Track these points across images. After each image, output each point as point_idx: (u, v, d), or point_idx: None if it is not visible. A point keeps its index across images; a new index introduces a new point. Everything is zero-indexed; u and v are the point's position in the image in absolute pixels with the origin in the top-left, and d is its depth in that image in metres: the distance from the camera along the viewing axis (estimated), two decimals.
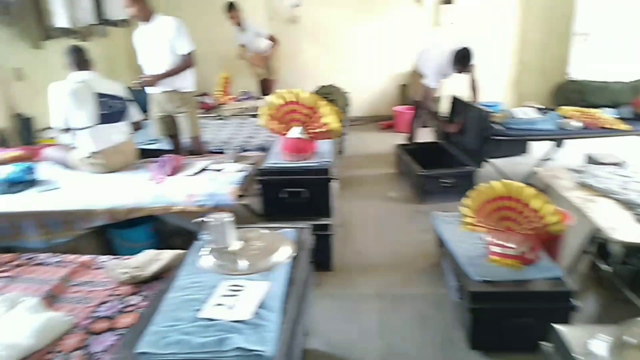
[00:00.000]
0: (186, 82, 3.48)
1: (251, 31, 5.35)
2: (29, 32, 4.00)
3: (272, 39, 5.44)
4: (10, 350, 1.37)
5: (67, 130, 3.06)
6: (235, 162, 3.08)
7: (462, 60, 3.94)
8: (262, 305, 1.32)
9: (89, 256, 2.06)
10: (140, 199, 2.65)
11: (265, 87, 5.67)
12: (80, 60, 3.05)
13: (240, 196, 2.66)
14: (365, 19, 5.84)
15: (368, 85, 6.15)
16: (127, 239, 2.81)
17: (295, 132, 2.65)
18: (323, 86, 5.35)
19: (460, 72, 4.03)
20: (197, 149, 3.64)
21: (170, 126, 3.63)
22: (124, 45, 5.56)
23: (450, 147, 4.15)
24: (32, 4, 3.94)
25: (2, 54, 3.83)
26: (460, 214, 2.22)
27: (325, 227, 2.61)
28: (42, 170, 3.18)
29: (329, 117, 2.58)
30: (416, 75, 4.50)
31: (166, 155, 3.09)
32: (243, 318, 1.25)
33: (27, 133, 4.00)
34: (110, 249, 2.85)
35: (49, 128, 4.09)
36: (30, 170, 2.93)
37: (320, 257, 2.19)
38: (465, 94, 4.32)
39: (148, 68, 3.45)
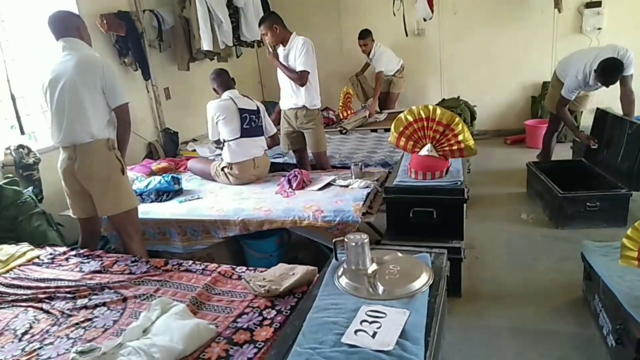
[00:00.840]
0: (313, 99, 3.58)
1: (378, 60, 5.37)
2: (179, 55, 4.44)
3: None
4: (164, 353, 1.47)
5: (220, 142, 3.35)
6: (359, 178, 3.08)
7: (604, 72, 3.48)
8: (404, 336, 1.26)
9: (228, 266, 2.17)
10: (271, 212, 2.76)
11: (387, 102, 5.63)
12: (225, 80, 3.34)
13: (365, 214, 2.64)
14: (494, 28, 5.53)
15: (495, 97, 5.79)
16: (257, 249, 2.94)
17: (427, 149, 2.56)
18: (447, 99, 5.16)
19: (605, 85, 3.59)
20: (322, 164, 3.71)
21: (296, 141, 3.75)
22: (252, 64, 5.95)
23: (594, 167, 3.71)
24: (181, 31, 4.36)
25: (157, 75, 4.31)
26: (619, 244, 1.94)
27: (455, 250, 2.47)
28: (186, 181, 3.50)
29: (464, 135, 2.44)
30: (553, 85, 4.12)
31: (295, 170, 3.19)
32: (387, 348, 1.20)
33: (172, 146, 4.44)
34: (241, 258, 3.01)
35: (193, 140, 4.51)
36: (176, 181, 3.22)
37: (448, 282, 2.06)
38: (616, 107, 3.85)
39: (282, 82, 3.63)
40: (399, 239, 2.57)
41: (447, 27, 5.68)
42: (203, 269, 2.17)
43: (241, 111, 3.24)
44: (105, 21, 3.61)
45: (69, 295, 2.04)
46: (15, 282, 2.20)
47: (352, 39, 5.63)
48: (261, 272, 2.06)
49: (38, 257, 2.46)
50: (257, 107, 3.38)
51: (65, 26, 2.49)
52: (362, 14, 5.79)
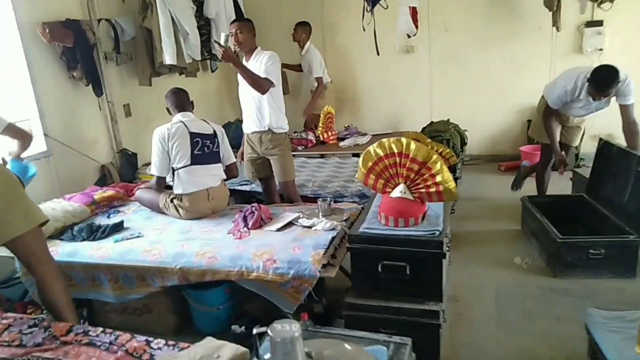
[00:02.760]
0: (279, 121, 3.17)
1: (309, 58, 5.00)
2: (140, 69, 4.04)
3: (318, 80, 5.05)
4: None
5: (162, 178, 2.93)
6: (327, 215, 2.65)
7: (596, 78, 3.01)
8: None
9: (143, 339, 1.73)
10: (215, 259, 2.32)
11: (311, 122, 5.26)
12: (180, 101, 2.95)
13: (326, 265, 2.21)
14: (488, 46, 5.15)
15: (489, 120, 5.38)
16: (200, 301, 2.49)
17: (399, 190, 2.13)
18: (435, 122, 4.75)
19: (598, 95, 3.08)
20: (290, 195, 3.29)
21: (262, 168, 3.33)
22: (229, 79, 5.54)
23: (596, 204, 3.29)
24: (143, 43, 3.96)
25: (113, 90, 3.89)
26: (633, 317, 1.52)
27: (433, 314, 2.03)
28: (133, 213, 3.07)
29: (443, 176, 2.02)
30: (539, 111, 3.68)
31: (254, 205, 2.76)
32: None
33: (130, 169, 4.01)
34: (185, 309, 2.56)
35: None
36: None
37: (424, 349, 1.61)
38: (618, 137, 3.44)
39: (243, 101, 3.22)
40: (365, 297, 2.14)
41: (437, 44, 5.29)
42: (110, 342, 1.72)
43: (192, 135, 2.82)
44: (47, 30, 3.20)
45: None
46: None
47: (336, 55, 5.27)
48: (181, 351, 1.62)
49: None
50: (214, 132, 2.95)
51: None
52: (344, 29, 5.41)
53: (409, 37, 4.42)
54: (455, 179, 3.11)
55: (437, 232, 2.05)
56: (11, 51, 3.17)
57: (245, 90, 3.16)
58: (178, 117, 2.91)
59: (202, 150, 2.86)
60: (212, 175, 2.91)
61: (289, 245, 2.33)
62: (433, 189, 2.07)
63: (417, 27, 4.11)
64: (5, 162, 2.19)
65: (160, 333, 2.52)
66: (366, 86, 5.67)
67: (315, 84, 5.05)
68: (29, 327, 1.87)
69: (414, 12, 4.10)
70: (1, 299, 2.37)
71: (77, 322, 2.22)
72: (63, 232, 2.75)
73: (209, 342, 1.67)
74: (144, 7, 3.91)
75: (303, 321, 2.09)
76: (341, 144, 4.76)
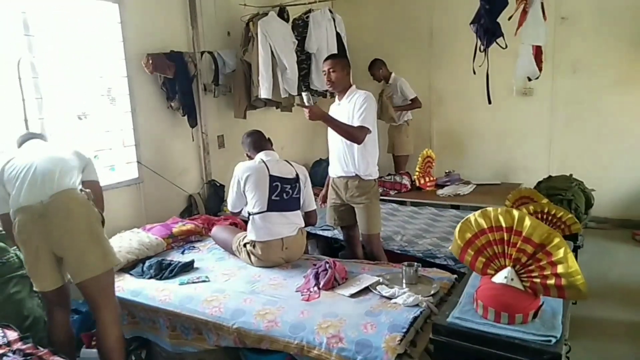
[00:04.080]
0: (368, 168, 2.85)
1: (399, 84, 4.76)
2: (237, 101, 4.01)
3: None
4: None
5: (238, 214, 2.78)
6: (411, 284, 2.26)
7: None
8: None
9: None
10: (275, 324, 2.04)
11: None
12: (257, 141, 2.80)
13: (402, 355, 1.81)
14: (627, 90, 4.39)
15: (622, 179, 4.55)
16: None
17: (505, 275, 1.68)
18: (554, 176, 4.09)
19: None
20: (373, 250, 2.93)
21: (345, 216, 3.02)
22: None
23: None
24: (242, 76, 3.94)
25: (208, 122, 3.90)
26: None
27: None
28: (207, 251, 2.93)
29: (568, 266, 1.54)
30: None
31: (328, 261, 2.45)
32: None
33: (217, 200, 3.94)
34: None
35: None
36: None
37: None
38: None
39: (332, 143, 2.97)
40: None
41: (562, 87, 4.64)
42: None
43: (272, 178, 2.61)
44: (151, 61, 3.26)
45: None
46: None
47: (442, 94, 4.86)
48: None
49: None
50: (296, 176, 2.72)
51: None
52: (452, 64, 4.98)
53: (529, 80, 3.89)
54: (576, 248, 2.54)
55: (554, 340, 1.55)
56: (116, 81, 3.27)
57: (334, 131, 2.91)
58: (260, 156, 2.74)
59: (281, 196, 2.64)
60: (289, 224, 2.67)
61: (361, 320, 1.97)
62: (552, 281, 1.59)
63: (540, 68, 3.57)
64: (90, 197, 2.14)
65: None
66: (474, 129, 5.15)
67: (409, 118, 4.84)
68: None
69: (538, 51, 3.57)
70: (70, 334, 2.29)
71: None
72: (135, 266, 2.68)
73: None
74: (246, 40, 3.90)
75: None
76: (439, 192, 4.30)
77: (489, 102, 3.47)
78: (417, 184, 4.44)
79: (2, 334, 2.05)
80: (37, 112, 2.82)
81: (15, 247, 2.52)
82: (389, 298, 2.15)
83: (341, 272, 2.40)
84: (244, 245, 2.69)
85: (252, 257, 2.65)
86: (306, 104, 2.70)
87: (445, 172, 4.67)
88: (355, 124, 2.72)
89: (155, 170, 3.49)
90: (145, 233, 2.94)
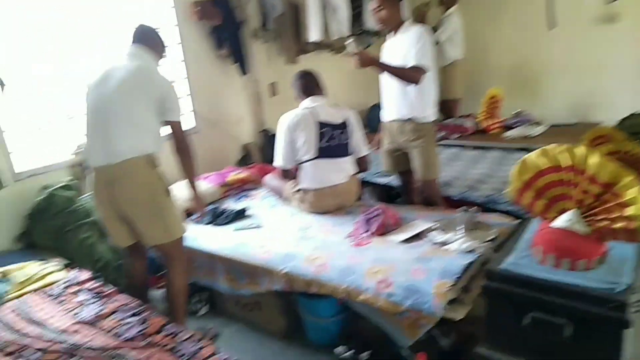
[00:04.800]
0: (424, 110, 2.68)
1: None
2: (286, 46, 3.90)
3: None
4: None
5: (287, 170, 2.74)
6: (469, 230, 2.15)
7: None
8: None
9: (225, 357, 1.54)
10: (324, 268, 2.03)
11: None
12: (306, 85, 2.69)
13: (453, 302, 1.74)
14: None
15: None
16: (310, 309, 2.25)
17: (567, 219, 1.53)
18: (637, 114, 3.66)
19: None
20: (431, 196, 2.81)
21: (400, 162, 2.90)
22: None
23: None
24: (291, 19, 3.80)
25: (259, 69, 3.85)
26: None
27: None
28: (261, 198, 2.97)
29: (638, 208, 1.36)
30: None
31: (380, 207, 2.39)
32: None
33: (271, 150, 3.93)
34: (294, 313, 2.35)
35: None
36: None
37: None
38: None
39: (384, 84, 2.81)
40: (503, 351, 1.62)
41: None
42: (192, 354, 1.57)
43: (320, 125, 2.54)
44: (198, 8, 3.22)
45: (34, 356, 1.64)
46: (9, 317, 1.90)
47: (507, 26, 4.43)
48: None
49: (54, 283, 2.15)
50: (344, 121, 2.62)
51: (146, 36, 2.22)
52: None
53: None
54: None
55: (620, 287, 1.41)
56: (168, 30, 3.27)
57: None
58: (306, 102, 2.66)
59: (330, 142, 2.57)
60: (339, 171, 2.62)
61: (411, 266, 1.91)
62: (620, 224, 1.43)
63: None
64: (158, 165, 2.15)
65: (270, 333, 2.39)
66: (546, 64, 4.70)
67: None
68: (132, 315, 1.85)
69: None
70: (145, 279, 2.44)
71: (183, 321, 2.24)
72: (191, 213, 2.77)
73: None
74: None
75: None
76: (506, 134, 4.02)
77: (550, 27, 3.09)
78: (482, 127, 4.18)
79: (77, 274, 2.23)
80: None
81: (83, 195, 2.70)
82: (443, 244, 2.07)
83: (393, 218, 2.33)
84: (295, 192, 2.69)
85: (303, 204, 2.65)
86: (353, 51, 2.54)
87: (514, 113, 4.34)
88: (410, 63, 2.55)
89: (210, 119, 3.53)
90: (202, 181, 3.02)
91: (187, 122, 3.44)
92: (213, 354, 1.56)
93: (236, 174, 3.17)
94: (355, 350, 2.04)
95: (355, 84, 4.86)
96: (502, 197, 2.76)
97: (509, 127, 4.15)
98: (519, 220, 2.30)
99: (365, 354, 2.03)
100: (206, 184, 2.98)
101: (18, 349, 1.69)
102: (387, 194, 3.36)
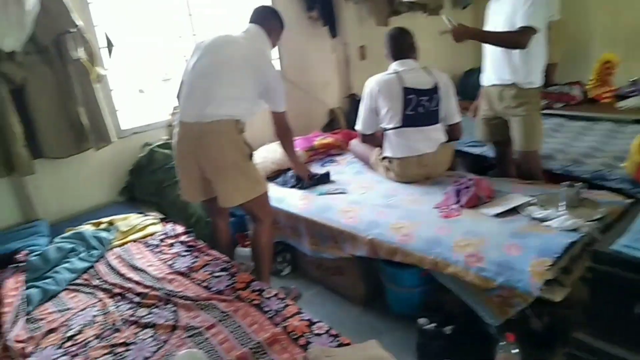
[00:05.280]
0: (530, 74, 2.45)
1: None
2: (377, 8, 3.75)
3: None
4: None
5: (367, 135, 2.68)
6: (571, 207, 1.96)
7: None
8: None
9: (307, 318, 1.56)
10: (410, 238, 1.97)
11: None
12: (398, 46, 2.55)
13: (551, 282, 1.60)
14: None
15: None
16: (392, 278, 2.21)
17: None
18: None
19: None
20: (530, 169, 2.59)
21: (497, 131, 2.71)
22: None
23: None
24: None
25: (349, 32, 3.75)
26: None
27: None
28: (346, 164, 2.94)
29: None
30: None
31: (472, 178, 2.26)
32: None
33: (355, 115, 3.87)
34: (377, 283, 2.33)
35: None
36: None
37: None
38: None
39: (486, 52, 2.61)
40: (605, 340, 1.48)
41: None
42: (277, 312, 1.61)
43: (406, 91, 2.42)
44: None
45: (136, 299, 1.78)
46: (114, 262, 2.08)
47: None
48: (340, 344, 1.40)
49: (153, 235, 2.31)
50: (435, 85, 2.47)
51: (266, 19, 2.27)
52: None
53: None
54: None
55: None
56: None
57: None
58: (394, 66, 2.54)
59: (417, 109, 2.44)
60: (427, 140, 2.49)
61: (505, 241, 1.79)
62: None
63: None
64: (243, 129, 2.19)
65: (350, 298, 2.40)
66: None
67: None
68: (221, 270, 1.94)
69: None
70: (228, 236, 2.53)
71: (267, 279, 2.30)
72: (278, 175, 2.81)
73: (370, 347, 1.38)
74: None
75: (507, 342, 1.60)
76: (620, 104, 3.59)
77: None
78: (591, 95, 3.77)
79: (173, 228, 2.38)
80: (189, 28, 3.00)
81: None
82: (541, 221, 1.91)
83: (486, 190, 2.19)
84: (381, 160, 2.62)
85: (389, 172, 2.58)
86: (448, 27, 2.37)
87: (630, 81, 3.85)
88: (518, 24, 2.31)
89: (297, 83, 3.52)
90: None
91: None
92: (297, 313, 1.59)
93: (322, 139, 3.16)
94: (437, 324, 1.98)
95: (451, 48, 4.55)
96: (613, 173, 2.49)
97: (622, 97, 3.70)
98: (632, 200, 2.07)
99: (448, 328, 1.96)
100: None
101: (122, 291, 1.84)
102: (479, 165, 3.17)
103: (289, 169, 2.80)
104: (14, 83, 2.23)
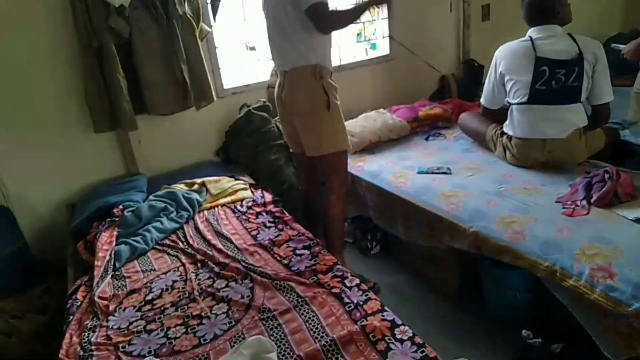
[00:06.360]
0: None
1: None
2: None
3: None
4: None
5: (491, 110, 2.34)
6: None
7: None
8: None
9: (391, 318, 1.37)
10: (523, 238, 1.67)
11: None
12: (537, 9, 2.12)
13: None
14: None
15: None
16: (494, 277, 1.92)
17: None
18: None
19: None
20: None
21: None
22: None
23: None
24: None
25: None
26: None
27: None
28: (454, 140, 2.63)
29: None
30: None
31: (609, 169, 1.85)
32: None
33: (473, 84, 3.47)
34: (474, 277, 2.06)
35: None
36: None
37: None
38: None
39: None
40: None
41: None
42: (357, 304, 1.45)
43: (539, 62, 2.02)
44: None
45: (216, 268, 1.74)
46: (202, 225, 2.06)
47: None
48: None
49: (241, 201, 2.26)
50: (578, 55, 2.03)
51: None
52: None
53: None
54: None
55: None
56: None
57: None
58: (531, 32, 2.13)
59: (549, 84, 2.04)
60: (557, 122, 2.07)
61: None
62: None
63: None
64: (320, 75, 2.03)
65: (442, 292, 2.18)
66: None
67: None
68: (304, 247, 1.82)
69: None
70: (317, 202, 2.44)
71: (340, 249, 2.21)
72: (376, 147, 2.60)
73: None
74: None
75: None
76: None
77: None
78: None
79: (261, 195, 2.31)
80: None
81: (276, 118, 2.74)
82: None
83: (627, 186, 1.78)
84: (501, 134, 2.27)
85: (507, 152, 2.23)
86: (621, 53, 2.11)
87: None
88: None
89: (407, 46, 3.21)
90: (390, 115, 2.80)
91: (382, 48, 3.21)
92: (380, 311, 1.42)
93: (429, 109, 2.86)
94: (543, 339, 1.69)
95: (593, 6, 3.88)
96: None
97: None
98: None
99: (556, 346, 1.66)
100: (394, 118, 2.76)
101: (204, 259, 1.81)
102: (623, 150, 2.63)
103: (390, 140, 2.58)
104: (122, 38, 2.26)
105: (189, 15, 2.38)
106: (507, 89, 2.17)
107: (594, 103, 2.12)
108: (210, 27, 2.58)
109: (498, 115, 2.32)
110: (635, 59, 2.09)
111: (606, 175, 1.81)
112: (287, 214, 2.09)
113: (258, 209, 2.16)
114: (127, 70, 2.29)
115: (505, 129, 2.23)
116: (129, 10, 2.24)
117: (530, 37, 2.10)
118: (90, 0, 2.15)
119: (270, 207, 2.17)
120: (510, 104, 2.18)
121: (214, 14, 2.54)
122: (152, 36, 2.33)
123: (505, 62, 2.15)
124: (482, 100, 2.38)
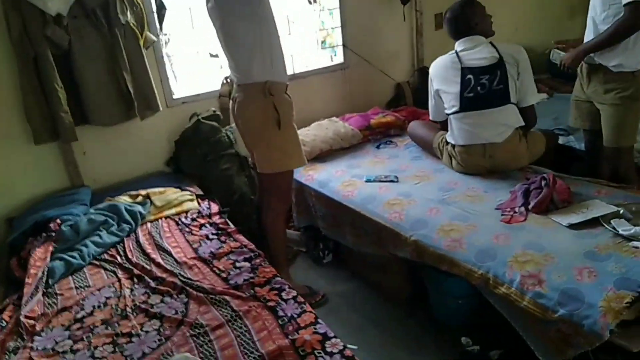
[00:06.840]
0: (629, 57, 1.98)
1: None
2: None
3: None
4: None
5: (443, 125, 2.37)
6: None
7: None
8: None
9: (323, 331, 1.36)
10: (460, 245, 1.68)
11: None
12: (455, 28, 2.20)
13: (627, 323, 1.26)
14: None
15: None
16: (436, 285, 1.94)
17: None
18: None
19: None
20: (617, 169, 2.15)
21: (588, 117, 2.27)
22: None
23: None
24: None
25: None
26: None
27: None
28: (400, 147, 2.66)
29: None
30: None
31: (545, 175, 1.88)
32: None
33: (424, 91, 3.49)
34: (422, 284, 2.06)
35: None
36: None
37: None
38: None
39: (589, 17, 2.15)
40: None
41: None
42: (291, 318, 1.43)
43: (464, 71, 2.08)
44: None
45: (153, 283, 1.69)
46: (143, 239, 2.01)
47: None
48: None
49: (186, 212, 2.21)
50: (498, 60, 2.07)
51: None
52: None
53: None
54: None
55: None
56: None
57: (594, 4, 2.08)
58: (456, 45, 2.20)
59: (475, 90, 2.09)
60: (492, 125, 2.11)
61: (576, 262, 1.45)
62: None
63: None
64: (269, 93, 1.98)
65: (393, 299, 2.18)
66: None
67: None
68: (245, 259, 1.80)
69: None
70: None
71: (283, 265, 2.20)
72: (328, 156, 2.60)
73: None
74: None
75: None
76: None
77: None
78: None
79: (208, 206, 2.27)
80: None
81: (227, 127, 2.71)
82: (628, 239, 1.53)
83: (562, 192, 1.82)
84: (445, 143, 2.30)
85: (453, 160, 2.25)
86: (559, 61, 2.23)
87: None
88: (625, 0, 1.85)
89: (362, 55, 3.23)
90: (343, 123, 2.80)
91: (337, 57, 3.22)
92: (312, 323, 1.40)
93: (381, 117, 2.88)
94: (482, 346, 1.70)
95: (542, 20, 3.99)
96: None
97: None
98: None
99: (495, 353, 1.68)
100: (346, 127, 2.76)
101: (141, 273, 1.76)
102: (564, 157, 2.70)
103: (341, 149, 2.59)
104: (60, 48, 2.19)
105: (132, 24, 2.33)
106: (444, 101, 2.22)
107: (520, 105, 2.15)
108: (157, 36, 2.54)
109: (447, 125, 2.35)
110: (574, 66, 2.15)
111: (543, 182, 1.85)
112: (231, 226, 2.06)
113: (202, 221, 2.11)
114: (68, 80, 2.23)
115: (447, 139, 2.26)
116: (68, 19, 2.18)
117: (456, 51, 2.16)
118: (25, 10, 2.08)
119: (216, 219, 2.13)
120: (448, 114, 2.21)
121: (160, 23, 2.50)
122: (94, 46, 2.27)
123: (437, 77, 2.24)
124: (430, 114, 2.42)
